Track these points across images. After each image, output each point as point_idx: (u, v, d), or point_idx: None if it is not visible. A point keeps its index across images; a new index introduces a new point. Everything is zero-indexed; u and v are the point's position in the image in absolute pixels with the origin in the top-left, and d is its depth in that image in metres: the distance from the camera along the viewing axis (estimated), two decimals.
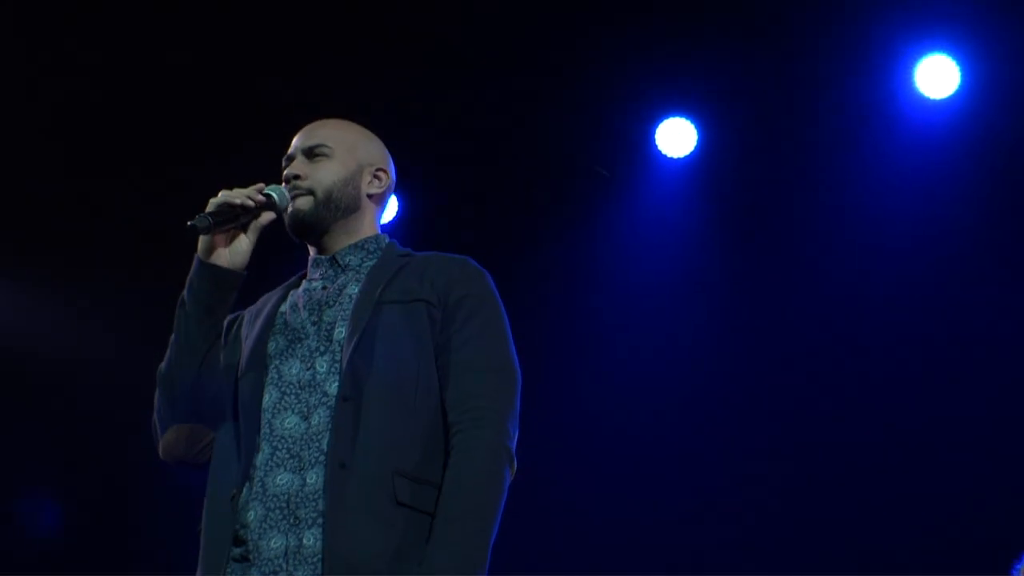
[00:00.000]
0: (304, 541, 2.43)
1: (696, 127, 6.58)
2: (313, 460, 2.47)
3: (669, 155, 6.62)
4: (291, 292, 2.75)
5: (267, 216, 2.67)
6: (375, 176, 2.78)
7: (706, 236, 6.64)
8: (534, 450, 5.93)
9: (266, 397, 2.57)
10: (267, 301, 2.77)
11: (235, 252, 2.64)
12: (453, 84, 6.27)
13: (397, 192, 5.86)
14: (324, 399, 2.52)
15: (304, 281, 2.76)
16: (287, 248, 2.92)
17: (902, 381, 6.15)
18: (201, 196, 2.70)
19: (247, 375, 2.62)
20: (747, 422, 6.38)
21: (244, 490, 2.52)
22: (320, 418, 2.50)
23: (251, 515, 2.49)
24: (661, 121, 6.57)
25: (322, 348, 2.58)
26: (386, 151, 2.87)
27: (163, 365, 2.67)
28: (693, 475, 6.39)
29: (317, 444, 2.48)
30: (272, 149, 3.05)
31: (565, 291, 6.65)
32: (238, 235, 2.65)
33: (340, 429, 2.46)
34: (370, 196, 2.77)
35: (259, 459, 2.51)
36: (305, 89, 6.10)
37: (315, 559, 2.42)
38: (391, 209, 5.84)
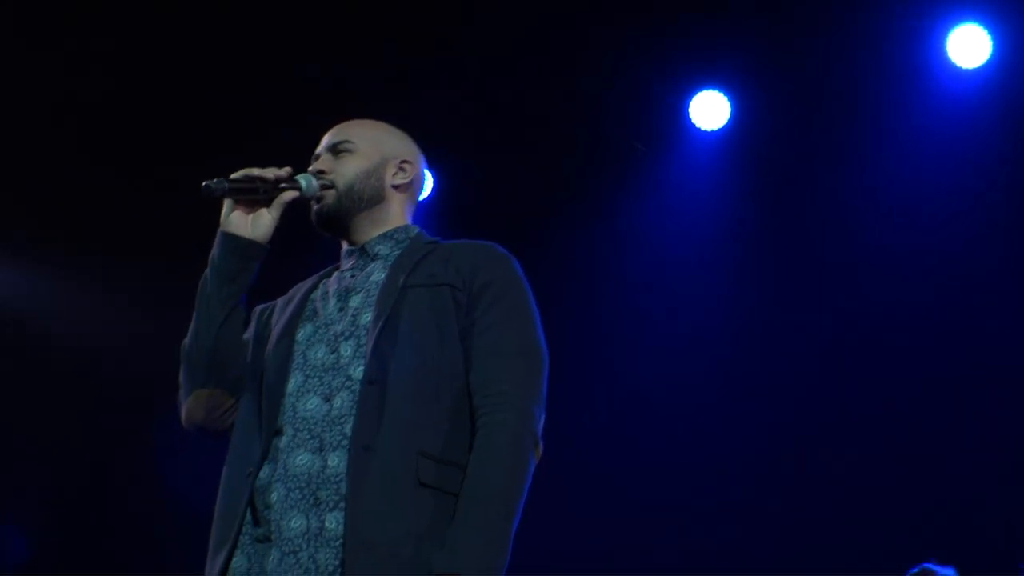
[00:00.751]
0: (326, 524, 2.45)
1: (729, 100, 6.63)
2: (335, 443, 2.50)
3: (703, 128, 6.67)
4: (323, 281, 2.81)
5: (290, 194, 2.73)
6: (400, 168, 2.84)
7: (739, 209, 6.69)
8: (577, 422, 6.17)
9: (291, 382, 2.61)
10: (299, 290, 2.82)
11: (257, 225, 2.71)
12: (486, 61, 6.32)
13: (433, 171, 6.01)
14: (347, 383, 2.55)
15: (336, 272, 2.82)
16: (327, 242, 2.97)
17: (937, 351, 6.16)
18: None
19: (274, 360, 2.66)
20: (779, 395, 6.42)
21: (265, 470, 2.55)
22: (343, 401, 2.53)
23: (274, 496, 2.51)
24: (695, 94, 6.63)
25: (347, 333, 2.62)
26: (413, 146, 2.92)
27: (186, 339, 2.72)
28: (729, 452, 6.45)
29: (339, 427, 2.50)
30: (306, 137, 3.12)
31: (599, 266, 6.72)
32: (261, 209, 2.72)
33: (365, 412, 2.48)
34: (396, 187, 2.82)
35: (282, 441, 2.55)
36: (343, 71, 6.19)
37: (337, 542, 2.43)
38: (427, 186, 5.94)
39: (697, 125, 6.65)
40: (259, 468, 2.55)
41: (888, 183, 6.29)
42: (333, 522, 2.45)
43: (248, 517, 2.54)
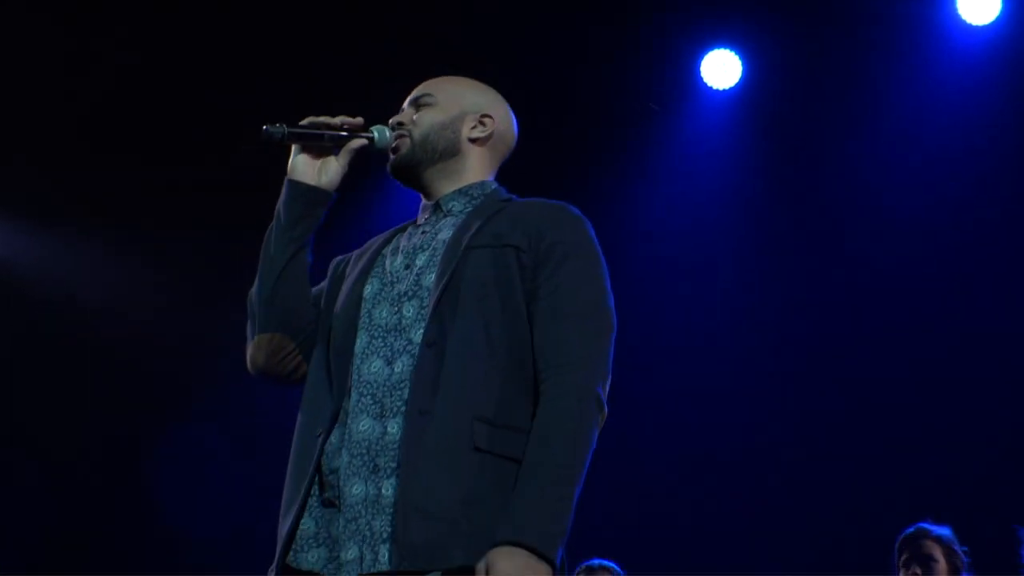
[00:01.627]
0: (382, 491, 2.43)
1: (740, 59, 6.68)
2: (395, 409, 2.47)
3: (715, 87, 6.71)
4: (397, 236, 2.74)
5: (358, 142, 2.70)
6: (480, 122, 2.73)
7: (751, 167, 6.74)
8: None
9: (358, 341, 2.56)
10: (374, 243, 2.76)
11: (323, 172, 2.69)
12: (499, 25, 6.35)
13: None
14: (408, 346, 2.51)
15: (411, 226, 2.74)
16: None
17: (951, 304, 6.23)
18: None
19: (342, 316, 2.62)
20: (793, 352, 6.49)
21: (335, 434, 2.52)
22: (403, 365, 2.49)
23: (339, 461, 2.49)
24: (706, 53, 6.69)
25: (410, 293, 2.56)
26: (500, 102, 2.82)
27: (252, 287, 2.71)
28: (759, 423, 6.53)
29: (399, 392, 2.47)
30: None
31: (616, 226, 6.77)
32: (329, 157, 2.70)
33: (422, 376, 2.44)
34: (473, 140, 2.72)
35: (349, 404, 2.52)
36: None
37: (390, 509, 2.40)
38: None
39: (709, 84, 6.70)
40: (329, 431, 2.53)
41: (900, 141, 6.35)
42: (388, 488, 2.42)
43: (318, 480, 2.51)
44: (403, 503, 2.36)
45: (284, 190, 2.69)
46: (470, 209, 2.65)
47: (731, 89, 6.70)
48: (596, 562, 5.08)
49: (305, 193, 2.67)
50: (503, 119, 2.78)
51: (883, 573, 4.77)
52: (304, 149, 2.69)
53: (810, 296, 6.53)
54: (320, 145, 2.69)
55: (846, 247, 6.48)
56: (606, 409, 2.46)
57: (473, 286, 2.49)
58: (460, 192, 2.69)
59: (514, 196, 2.72)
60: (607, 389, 2.47)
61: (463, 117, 2.72)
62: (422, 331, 2.48)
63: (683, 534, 6.45)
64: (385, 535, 2.39)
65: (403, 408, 2.44)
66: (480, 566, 2.29)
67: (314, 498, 2.50)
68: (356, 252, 2.77)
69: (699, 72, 6.70)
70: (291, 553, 2.49)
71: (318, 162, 2.69)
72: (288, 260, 2.64)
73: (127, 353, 7.09)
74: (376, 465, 2.44)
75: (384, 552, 2.38)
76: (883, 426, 6.23)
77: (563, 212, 2.61)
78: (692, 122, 6.84)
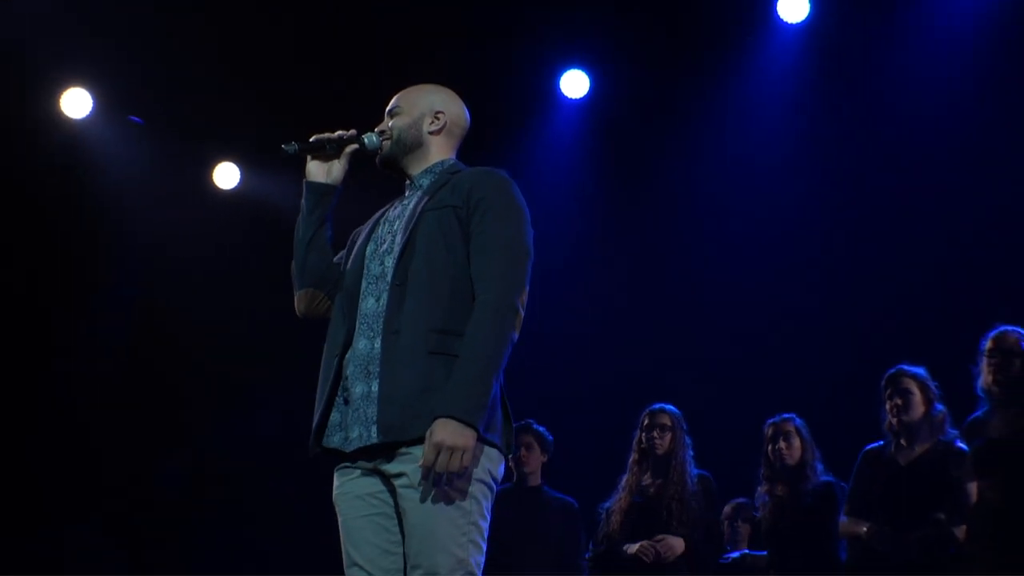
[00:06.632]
0: (372, 388, 3.30)
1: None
2: (379, 330, 3.33)
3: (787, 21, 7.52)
4: (388, 208, 3.61)
5: (352, 147, 3.57)
6: (435, 118, 3.60)
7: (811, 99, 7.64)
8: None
9: (360, 287, 3.44)
10: (376, 215, 3.64)
11: (330, 172, 3.58)
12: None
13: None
14: (386, 287, 3.37)
15: (399, 200, 3.63)
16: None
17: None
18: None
19: (351, 269, 3.49)
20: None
21: (348, 353, 3.39)
22: (383, 300, 3.36)
23: (348, 370, 3.36)
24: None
25: (389, 249, 3.43)
26: (451, 97, 3.69)
27: None
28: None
29: (382, 319, 3.34)
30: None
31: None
32: (333, 160, 3.58)
33: (392, 306, 3.31)
34: (432, 132, 3.60)
35: (355, 331, 3.40)
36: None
37: (376, 400, 3.27)
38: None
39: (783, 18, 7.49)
40: (344, 350, 3.40)
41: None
42: (375, 387, 3.29)
43: (339, 385, 3.41)
44: (382, 396, 3.26)
45: (304, 189, 3.60)
46: (431, 182, 3.53)
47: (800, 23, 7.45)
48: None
49: (318, 189, 3.58)
50: (454, 111, 3.65)
51: (877, 404, 5.78)
52: (314, 157, 3.59)
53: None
54: (325, 153, 3.58)
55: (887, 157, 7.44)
56: (522, 313, 3.29)
57: (425, 239, 3.37)
58: (427, 171, 3.58)
59: (465, 167, 3.59)
60: (524, 300, 3.30)
61: (423, 117, 3.60)
62: (392, 274, 3.38)
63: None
64: (374, 419, 3.27)
65: (382, 330, 3.32)
66: (427, 434, 3.15)
67: (339, 398, 3.38)
68: (366, 224, 3.66)
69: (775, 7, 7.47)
70: (324, 437, 3.39)
71: (326, 165, 3.59)
72: (311, 237, 3.55)
73: None
74: (368, 371, 3.33)
75: (374, 431, 3.27)
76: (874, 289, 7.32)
77: (487, 175, 3.47)
78: (764, 54, 7.68)
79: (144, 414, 8.30)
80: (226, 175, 8.53)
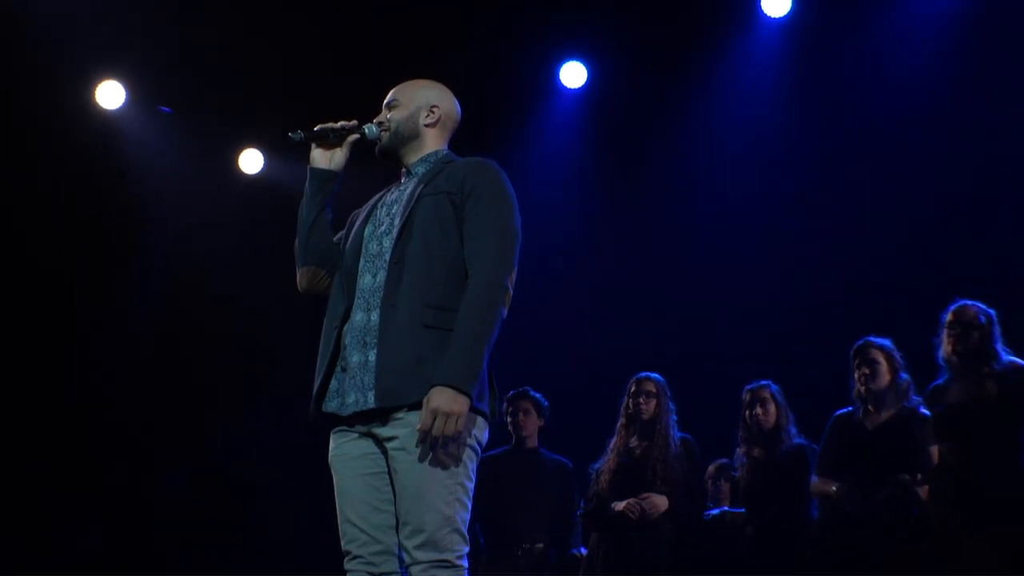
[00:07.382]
0: (369, 358, 3.47)
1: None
2: (376, 304, 3.50)
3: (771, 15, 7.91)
4: (386, 193, 3.78)
5: (353, 136, 3.73)
6: (430, 111, 3.77)
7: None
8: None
9: (358, 265, 3.60)
10: (373, 199, 3.82)
11: (332, 159, 3.74)
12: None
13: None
14: (384, 264, 3.54)
15: (396, 186, 3.80)
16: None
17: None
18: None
19: (349, 250, 3.65)
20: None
21: (346, 325, 3.56)
22: (381, 277, 3.53)
23: (346, 340, 3.54)
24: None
25: (388, 231, 3.60)
26: (444, 93, 3.85)
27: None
28: None
29: (378, 294, 3.50)
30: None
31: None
32: (335, 148, 3.74)
33: (390, 282, 3.48)
34: (427, 125, 3.76)
35: (353, 305, 3.57)
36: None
37: (373, 369, 3.45)
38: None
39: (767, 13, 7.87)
40: (342, 323, 3.58)
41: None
42: (372, 356, 3.47)
43: (338, 354, 3.58)
44: (380, 364, 3.44)
45: (308, 175, 3.78)
46: (427, 170, 3.71)
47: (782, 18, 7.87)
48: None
49: (321, 174, 3.75)
50: (447, 106, 3.82)
51: (847, 372, 6.05)
52: (318, 145, 3.76)
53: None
54: (328, 141, 3.75)
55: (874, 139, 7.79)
56: (511, 291, 3.49)
57: (421, 222, 3.55)
58: (422, 160, 3.75)
59: (457, 157, 3.77)
60: (513, 280, 3.49)
61: (419, 111, 3.78)
62: (391, 254, 3.56)
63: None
64: (370, 385, 3.45)
65: (380, 304, 3.50)
66: (424, 400, 3.33)
67: (338, 367, 3.57)
68: (364, 206, 3.85)
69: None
70: (323, 402, 3.57)
71: (329, 153, 3.76)
72: (314, 219, 3.72)
73: None
74: (365, 342, 3.51)
75: (371, 396, 3.45)
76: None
77: (481, 165, 3.65)
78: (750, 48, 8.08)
79: (168, 403, 8.54)
80: (251, 161, 8.93)
